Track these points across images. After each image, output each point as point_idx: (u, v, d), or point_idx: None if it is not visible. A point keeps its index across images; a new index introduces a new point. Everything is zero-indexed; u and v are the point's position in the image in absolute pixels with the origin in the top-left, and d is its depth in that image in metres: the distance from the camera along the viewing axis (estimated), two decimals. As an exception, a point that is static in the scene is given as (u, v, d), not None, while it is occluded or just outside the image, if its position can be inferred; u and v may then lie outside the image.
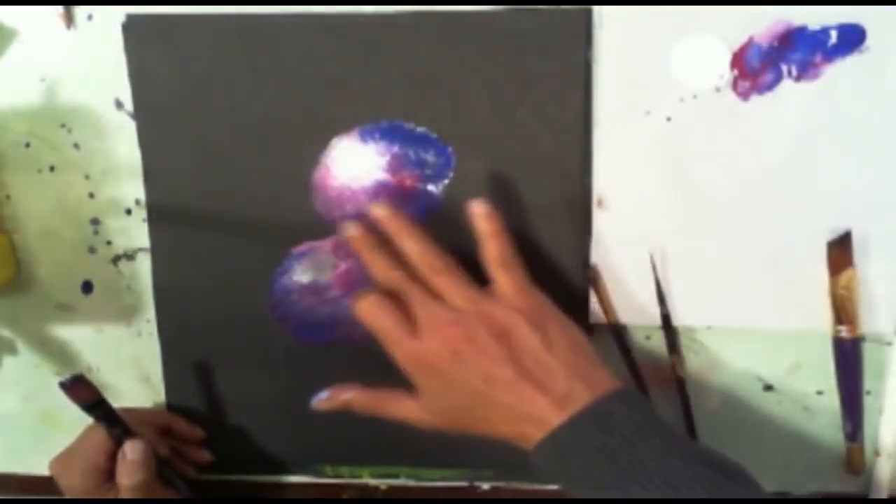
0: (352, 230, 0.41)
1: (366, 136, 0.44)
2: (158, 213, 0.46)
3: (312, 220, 0.45)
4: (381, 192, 0.44)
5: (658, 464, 0.33)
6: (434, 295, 0.39)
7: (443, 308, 0.38)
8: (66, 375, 0.42)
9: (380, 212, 0.41)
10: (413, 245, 0.40)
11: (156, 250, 0.46)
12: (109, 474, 0.43)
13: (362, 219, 0.41)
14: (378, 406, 0.41)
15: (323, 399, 0.42)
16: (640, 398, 0.37)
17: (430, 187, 0.44)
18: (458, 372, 0.37)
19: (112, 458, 0.43)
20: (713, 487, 0.32)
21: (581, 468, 0.35)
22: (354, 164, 0.44)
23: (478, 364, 0.37)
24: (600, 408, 0.35)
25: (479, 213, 0.39)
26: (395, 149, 0.44)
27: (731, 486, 0.33)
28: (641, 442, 0.34)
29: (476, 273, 0.44)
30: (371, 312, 0.39)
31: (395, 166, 0.44)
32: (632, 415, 0.35)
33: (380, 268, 0.40)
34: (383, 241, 0.41)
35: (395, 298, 0.39)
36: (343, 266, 0.45)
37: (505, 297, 0.39)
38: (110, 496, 0.42)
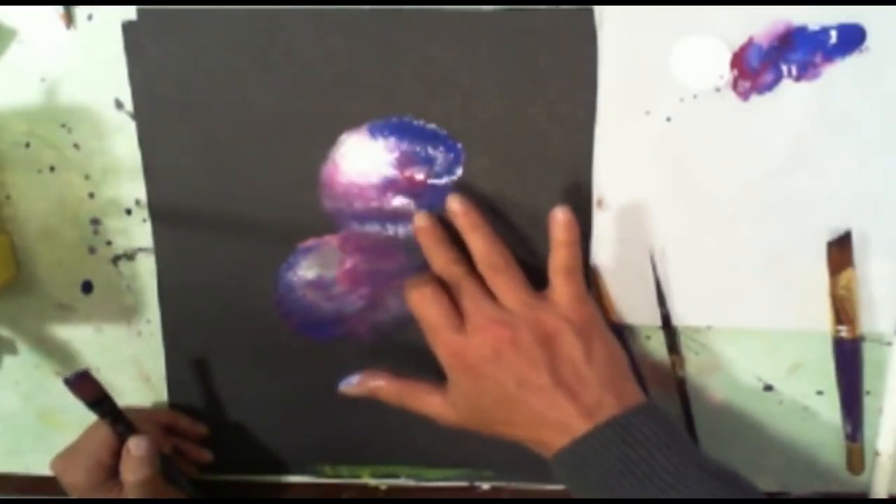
0: (420, 220, 0.42)
1: (375, 132, 0.44)
2: (161, 212, 0.46)
3: (319, 216, 0.45)
4: (389, 188, 0.44)
5: (675, 477, 0.34)
6: (489, 294, 0.40)
7: (494, 308, 0.39)
8: (70, 371, 0.42)
9: (455, 206, 0.41)
10: (479, 242, 0.41)
11: (159, 249, 0.46)
12: (114, 471, 0.43)
13: (433, 212, 0.43)
14: (404, 397, 0.42)
15: (353, 384, 0.43)
16: (665, 413, 0.37)
17: (439, 184, 0.44)
18: (495, 372, 0.38)
19: (116, 454, 0.43)
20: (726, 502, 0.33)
21: (599, 477, 0.35)
22: (363, 159, 0.44)
23: (517, 367, 0.37)
24: (625, 420, 0.36)
25: (561, 221, 0.40)
26: (405, 145, 0.44)
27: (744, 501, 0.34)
28: (661, 456, 0.34)
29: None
30: (423, 302, 0.40)
31: (403, 162, 0.44)
32: (655, 429, 0.36)
33: (441, 261, 0.41)
34: (447, 235, 0.42)
35: (448, 292, 0.40)
36: (349, 262, 0.46)
37: (559, 304, 0.39)
38: (114, 493, 0.42)
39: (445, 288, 0.40)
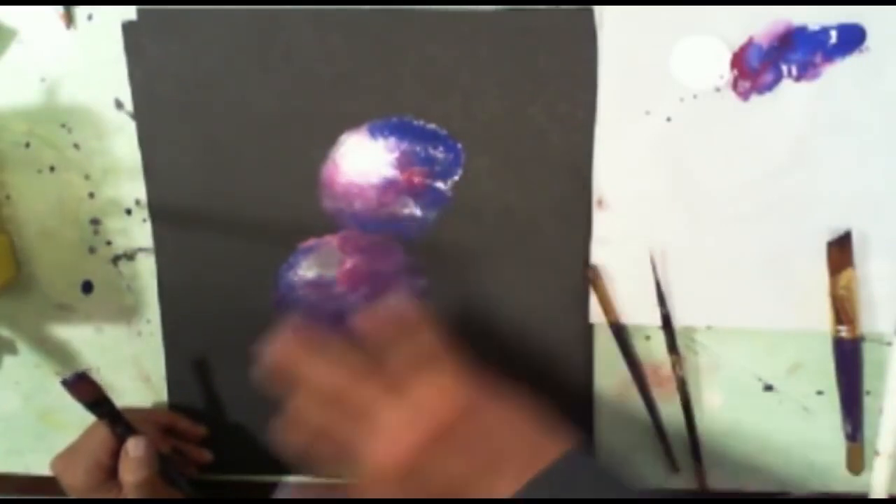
0: (277, 345, 0.38)
1: (375, 132, 0.44)
2: (161, 212, 0.46)
3: (319, 216, 0.45)
4: (389, 188, 0.44)
5: None
6: (370, 403, 0.36)
7: (388, 413, 0.35)
8: (69, 372, 0.42)
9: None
10: (332, 358, 0.37)
11: (159, 249, 0.46)
12: (112, 472, 0.43)
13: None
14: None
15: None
16: (586, 455, 0.36)
17: (439, 184, 0.44)
18: (419, 475, 0.35)
19: (115, 455, 0.43)
20: None
21: None
22: (363, 159, 0.44)
23: (437, 465, 0.35)
24: (552, 475, 0.34)
25: (371, 317, 0.37)
26: (405, 145, 0.44)
27: None
28: (596, 498, 0.34)
29: (491, 273, 0.44)
30: (315, 443, 0.36)
31: (403, 163, 0.44)
32: (584, 472, 0.35)
33: (312, 383, 0.36)
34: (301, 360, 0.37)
35: (328, 418, 0.36)
36: (349, 262, 0.46)
37: (441, 389, 0.36)
38: (113, 494, 0.42)
39: (323, 413, 0.36)
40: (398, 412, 0.35)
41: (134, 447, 0.42)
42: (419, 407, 0.36)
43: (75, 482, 0.43)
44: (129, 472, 0.42)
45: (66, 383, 0.41)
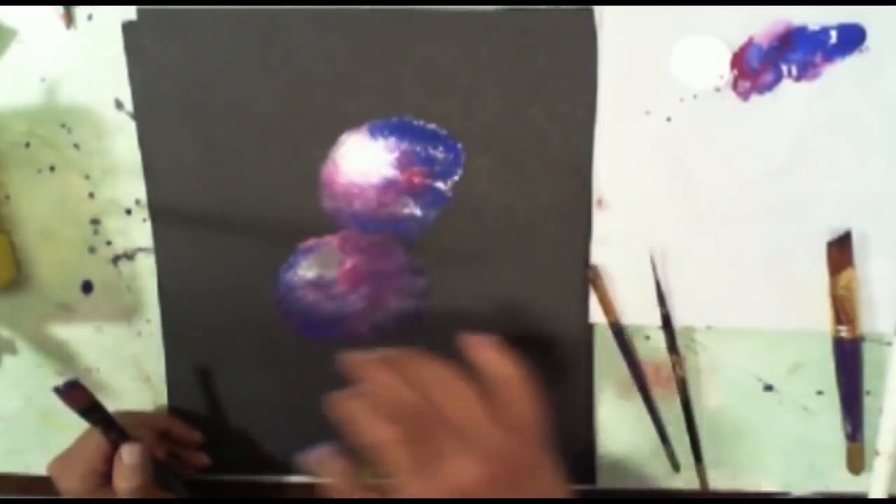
0: (353, 357, 0.38)
1: (375, 132, 0.44)
2: (161, 212, 0.46)
3: (319, 216, 0.45)
4: (389, 188, 0.44)
5: None
6: (452, 425, 0.36)
7: (466, 442, 0.35)
8: (61, 380, 0.42)
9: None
10: (426, 370, 0.37)
11: (159, 249, 0.46)
12: (107, 477, 0.42)
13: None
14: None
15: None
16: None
17: (439, 184, 0.44)
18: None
19: (110, 461, 0.43)
20: None
21: None
22: (363, 159, 0.44)
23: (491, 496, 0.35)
24: None
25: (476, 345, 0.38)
26: (405, 145, 0.44)
27: None
28: None
29: (491, 273, 0.44)
30: (395, 448, 0.35)
31: (403, 163, 0.44)
32: None
33: (391, 396, 0.37)
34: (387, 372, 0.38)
35: (410, 430, 0.36)
36: (349, 262, 0.46)
37: (529, 435, 0.37)
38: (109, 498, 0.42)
39: (404, 425, 0.36)
40: (495, 438, 0.36)
41: (128, 454, 0.42)
42: (512, 435, 0.36)
43: (70, 486, 0.43)
44: (122, 478, 0.42)
45: (58, 391, 0.41)
